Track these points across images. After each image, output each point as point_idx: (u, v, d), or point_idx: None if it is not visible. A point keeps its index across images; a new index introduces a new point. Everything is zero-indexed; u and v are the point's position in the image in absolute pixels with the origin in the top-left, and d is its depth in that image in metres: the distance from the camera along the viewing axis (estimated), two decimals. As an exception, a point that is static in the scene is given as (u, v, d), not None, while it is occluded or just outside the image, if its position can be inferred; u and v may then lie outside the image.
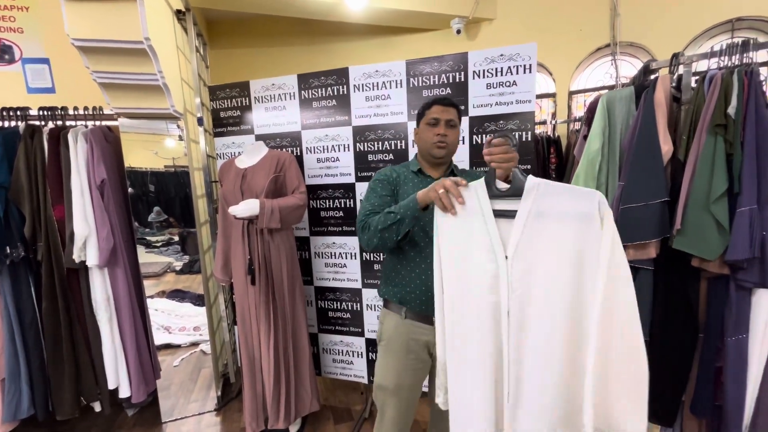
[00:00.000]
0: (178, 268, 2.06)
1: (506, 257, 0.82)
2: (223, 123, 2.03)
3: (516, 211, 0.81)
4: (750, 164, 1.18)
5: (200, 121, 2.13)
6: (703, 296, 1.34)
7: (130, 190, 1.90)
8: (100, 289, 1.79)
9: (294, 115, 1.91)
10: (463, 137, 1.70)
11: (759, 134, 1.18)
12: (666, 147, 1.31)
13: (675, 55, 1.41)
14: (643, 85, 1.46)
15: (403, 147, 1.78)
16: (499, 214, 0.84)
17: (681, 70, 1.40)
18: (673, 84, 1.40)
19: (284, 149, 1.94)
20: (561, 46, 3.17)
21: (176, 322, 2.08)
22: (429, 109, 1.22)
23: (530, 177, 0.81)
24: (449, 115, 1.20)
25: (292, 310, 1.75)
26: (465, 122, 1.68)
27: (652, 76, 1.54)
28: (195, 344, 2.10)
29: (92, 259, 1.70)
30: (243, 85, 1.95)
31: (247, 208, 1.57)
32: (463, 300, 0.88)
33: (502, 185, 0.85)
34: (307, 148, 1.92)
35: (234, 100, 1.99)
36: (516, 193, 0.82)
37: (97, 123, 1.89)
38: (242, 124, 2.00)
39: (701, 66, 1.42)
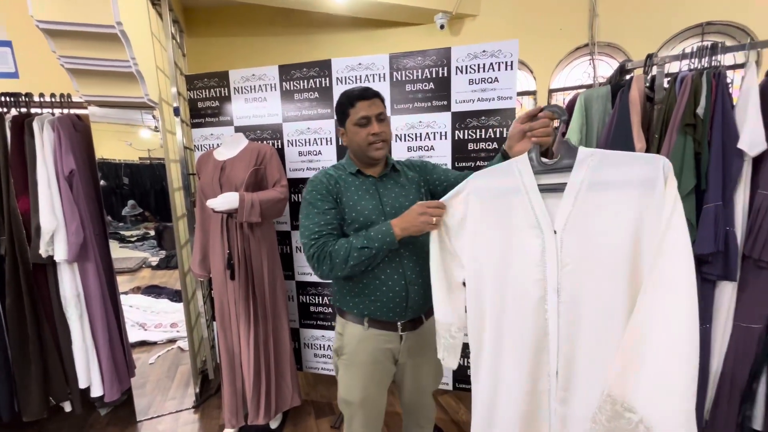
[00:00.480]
0: (154, 264, 1.99)
1: (554, 232, 0.78)
2: (200, 114, 1.97)
3: (565, 184, 0.77)
4: (716, 162, 1.24)
5: (176, 112, 2.06)
6: (671, 288, 1.40)
7: (102, 182, 1.82)
8: (70, 286, 1.71)
9: (275, 107, 1.87)
10: (445, 132, 1.71)
11: (725, 134, 1.24)
12: (639, 145, 1.36)
13: (649, 56, 1.46)
14: (619, 84, 1.51)
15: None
16: (544, 188, 0.80)
17: (654, 70, 1.45)
18: (647, 84, 1.45)
19: (265, 142, 1.90)
20: (541, 44, 3.23)
21: (152, 318, 2.02)
22: (353, 107, 1.07)
23: (582, 148, 0.77)
24: (377, 108, 1.07)
25: (272, 305, 1.73)
26: (447, 117, 1.69)
27: (628, 76, 1.59)
28: (172, 341, 2.05)
29: (61, 253, 1.63)
30: (222, 74, 1.90)
31: (225, 201, 1.54)
32: (501, 279, 0.84)
33: (547, 159, 0.82)
34: (288, 140, 1.89)
35: (212, 90, 1.93)
36: (565, 165, 0.77)
37: (65, 111, 1.80)
38: (221, 115, 1.94)
39: (673, 67, 1.47)
